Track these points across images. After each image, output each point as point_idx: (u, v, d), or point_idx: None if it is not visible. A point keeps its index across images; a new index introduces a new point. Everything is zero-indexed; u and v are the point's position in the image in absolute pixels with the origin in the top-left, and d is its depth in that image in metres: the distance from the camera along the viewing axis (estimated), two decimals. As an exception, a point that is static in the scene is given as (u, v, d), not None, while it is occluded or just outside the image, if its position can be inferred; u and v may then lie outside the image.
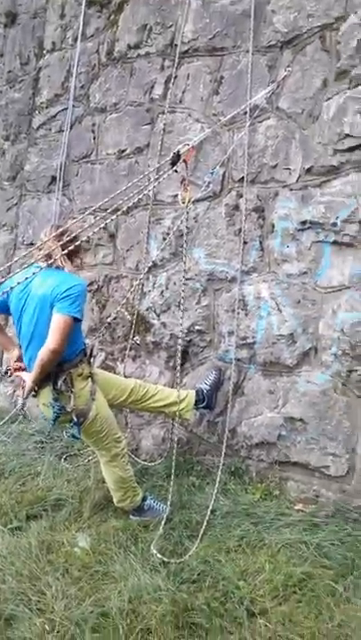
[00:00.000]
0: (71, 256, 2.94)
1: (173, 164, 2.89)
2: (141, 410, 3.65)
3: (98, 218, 3.05)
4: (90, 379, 3.07)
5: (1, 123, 5.76)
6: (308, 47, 3.36)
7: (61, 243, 2.71)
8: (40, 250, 2.86)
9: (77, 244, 2.68)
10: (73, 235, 2.76)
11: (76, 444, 4.08)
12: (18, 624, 2.40)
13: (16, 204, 5.48)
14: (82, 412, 2.96)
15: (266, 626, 2.34)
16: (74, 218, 3.87)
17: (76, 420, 2.96)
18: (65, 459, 4.02)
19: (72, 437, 3.20)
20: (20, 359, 3.15)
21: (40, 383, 2.92)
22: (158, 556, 2.80)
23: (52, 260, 2.68)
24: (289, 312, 3.39)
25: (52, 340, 2.74)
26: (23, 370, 3.11)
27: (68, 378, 2.93)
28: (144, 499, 3.26)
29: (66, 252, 2.69)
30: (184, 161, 2.94)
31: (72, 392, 2.93)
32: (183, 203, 3.01)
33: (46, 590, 2.59)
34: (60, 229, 2.86)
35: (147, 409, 3.54)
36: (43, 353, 2.75)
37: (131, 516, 3.24)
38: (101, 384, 3.19)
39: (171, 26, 4.08)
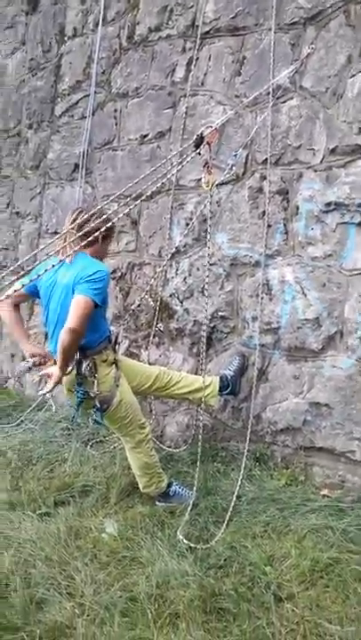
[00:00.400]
0: (103, 241, 3.02)
1: (197, 146, 2.85)
2: (166, 397, 3.66)
3: (121, 204, 3.03)
4: (114, 365, 3.08)
5: (24, 111, 5.79)
6: (331, 23, 3.26)
7: (79, 234, 2.73)
8: (62, 240, 2.91)
9: (101, 231, 2.70)
10: (99, 220, 2.76)
11: (101, 430, 4.11)
12: (49, 607, 2.45)
13: (39, 192, 5.51)
14: (105, 398, 2.98)
15: (293, 610, 2.33)
16: (97, 205, 3.86)
17: (98, 405, 2.98)
18: (91, 445, 4.05)
19: (95, 423, 3.22)
20: (32, 355, 3.16)
21: (65, 369, 2.93)
22: (185, 541, 2.81)
23: (64, 257, 2.78)
24: (314, 296, 3.34)
25: (70, 320, 2.71)
26: (41, 364, 3.13)
27: (92, 363, 2.94)
28: (169, 485, 3.27)
29: (91, 238, 2.69)
30: (208, 143, 2.90)
31: (95, 377, 2.94)
32: (207, 186, 2.97)
33: (75, 575, 2.63)
34: (76, 221, 2.87)
35: (171, 396, 3.54)
36: (62, 334, 2.72)
37: (157, 502, 3.26)
38: (126, 371, 3.20)
39: (192, 6, 4.01)
